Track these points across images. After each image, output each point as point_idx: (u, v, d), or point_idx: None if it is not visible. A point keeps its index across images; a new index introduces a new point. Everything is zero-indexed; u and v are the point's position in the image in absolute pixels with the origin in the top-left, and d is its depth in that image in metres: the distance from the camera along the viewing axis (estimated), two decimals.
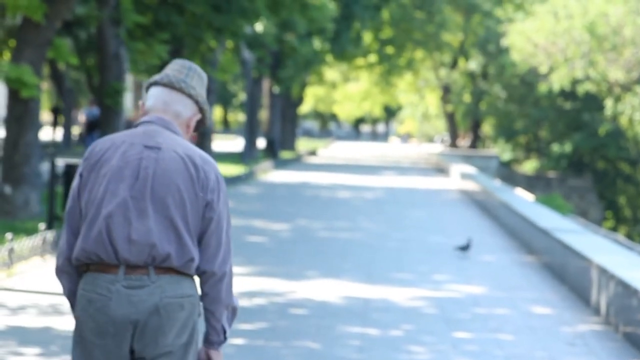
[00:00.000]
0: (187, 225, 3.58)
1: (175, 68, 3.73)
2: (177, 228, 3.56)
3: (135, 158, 3.59)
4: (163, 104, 3.70)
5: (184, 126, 3.73)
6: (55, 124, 49.04)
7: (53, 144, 40.16)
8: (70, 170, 14.11)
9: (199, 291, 3.70)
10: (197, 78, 3.74)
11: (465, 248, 13.97)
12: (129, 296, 3.53)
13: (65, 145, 42.84)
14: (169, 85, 3.70)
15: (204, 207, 3.60)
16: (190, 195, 3.58)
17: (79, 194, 3.64)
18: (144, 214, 3.54)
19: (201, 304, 3.71)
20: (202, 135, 32.61)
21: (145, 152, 3.59)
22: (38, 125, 16.11)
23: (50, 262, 11.84)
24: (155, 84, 3.72)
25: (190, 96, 3.71)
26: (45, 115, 72.93)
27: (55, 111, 49.85)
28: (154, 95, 3.71)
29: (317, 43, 43.09)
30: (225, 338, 3.70)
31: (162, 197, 3.56)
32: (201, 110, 3.76)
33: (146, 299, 3.54)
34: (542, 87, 44.91)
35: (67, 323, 8.48)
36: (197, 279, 3.73)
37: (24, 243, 11.48)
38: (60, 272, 3.70)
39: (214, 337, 3.69)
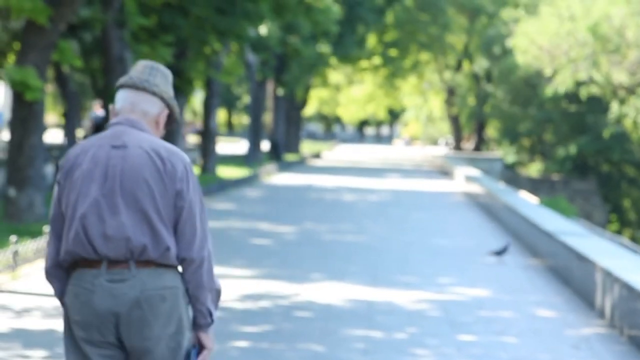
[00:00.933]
0: (160, 216, 3.72)
1: (139, 69, 3.90)
2: (150, 220, 3.70)
3: (103, 158, 3.75)
4: (130, 104, 3.86)
5: (153, 123, 3.88)
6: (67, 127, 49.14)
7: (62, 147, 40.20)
8: None
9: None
10: (160, 76, 3.89)
11: (501, 252, 13.74)
12: (111, 289, 3.68)
13: (70, 148, 42.88)
14: (133, 86, 3.87)
15: (174, 196, 3.74)
16: (159, 187, 3.73)
17: (59, 200, 3.81)
18: (116, 210, 3.70)
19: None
20: (206, 137, 32.63)
21: (113, 151, 3.76)
22: (42, 128, 16.12)
23: None
24: (122, 86, 3.89)
25: (154, 94, 3.87)
26: (52, 118, 73.00)
27: (68, 115, 50.03)
28: (121, 98, 3.89)
29: (321, 46, 43.10)
30: (212, 320, 3.84)
31: (132, 192, 3.71)
32: (168, 106, 3.91)
33: (127, 292, 3.68)
34: (548, 91, 44.89)
35: None
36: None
37: (29, 245, 11.49)
38: (49, 275, 3.87)
39: (201, 320, 3.82)
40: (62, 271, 3.84)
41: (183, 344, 3.76)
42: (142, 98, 3.86)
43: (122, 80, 3.88)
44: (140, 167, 3.73)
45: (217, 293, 3.85)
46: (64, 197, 3.79)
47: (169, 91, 3.91)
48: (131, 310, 3.69)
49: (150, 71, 3.89)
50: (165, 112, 3.91)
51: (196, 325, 3.83)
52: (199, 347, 3.85)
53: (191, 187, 3.77)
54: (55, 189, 3.83)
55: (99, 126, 27.80)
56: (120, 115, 3.86)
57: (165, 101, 3.90)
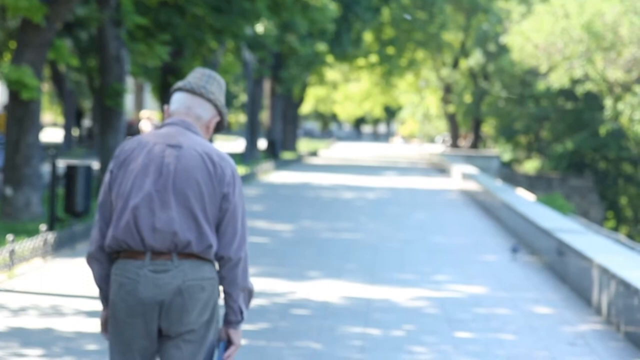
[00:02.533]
0: (206, 215, 3.97)
1: (197, 76, 4.15)
2: (196, 218, 3.96)
3: (159, 156, 4.00)
4: (185, 107, 4.11)
5: (204, 127, 4.14)
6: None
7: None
8: (71, 171, 14.11)
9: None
10: (216, 84, 4.16)
11: (516, 250, 14.11)
12: (155, 279, 3.94)
13: (66, 147, 42.85)
14: (191, 91, 4.12)
15: (221, 198, 4.00)
16: (209, 188, 3.99)
17: (110, 187, 4.04)
18: (166, 206, 3.95)
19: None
20: None
21: (168, 150, 4.00)
22: (39, 127, 16.11)
23: (51, 264, 11.84)
24: (179, 89, 4.14)
25: (209, 100, 4.13)
26: (48, 117, 72.94)
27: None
28: (177, 100, 4.14)
29: (318, 44, 43.09)
30: (242, 318, 4.07)
31: (183, 190, 3.96)
32: (220, 113, 4.17)
33: (170, 281, 3.94)
34: (541, 86, 44.90)
35: (68, 324, 8.48)
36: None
37: (25, 244, 11.49)
38: (91, 258, 4.09)
39: (232, 317, 4.06)
40: (105, 255, 4.05)
41: (212, 333, 4.02)
42: (197, 103, 4.11)
43: (180, 84, 4.12)
44: (193, 168, 3.98)
45: (250, 293, 4.08)
46: (116, 186, 4.01)
47: (222, 99, 4.16)
48: (174, 298, 3.93)
49: (208, 79, 4.13)
50: (217, 118, 4.16)
51: (226, 322, 4.06)
52: (227, 342, 4.06)
53: (237, 192, 4.04)
54: (107, 177, 4.03)
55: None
56: (175, 117, 4.10)
57: (218, 108, 4.15)
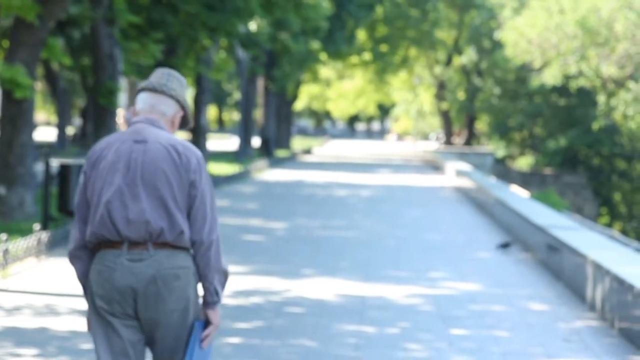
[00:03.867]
0: (176, 203, 4.20)
1: (158, 75, 4.42)
2: (167, 206, 4.19)
3: (126, 152, 4.24)
4: (149, 105, 4.38)
5: (169, 122, 4.39)
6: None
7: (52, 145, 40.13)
8: (64, 170, 14.09)
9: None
10: (176, 82, 4.41)
11: (506, 246, 14.41)
12: (131, 268, 4.16)
13: (60, 146, 42.80)
14: (153, 89, 4.38)
15: (188, 186, 4.23)
16: (176, 177, 4.21)
17: (85, 187, 4.29)
18: (137, 197, 4.19)
19: None
20: (196, 134, 32.58)
21: (135, 146, 4.25)
22: (32, 126, 16.08)
23: (45, 263, 11.83)
24: (143, 90, 4.41)
25: (171, 97, 4.38)
26: (41, 116, 72.82)
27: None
28: (142, 99, 4.40)
29: (311, 42, 43.07)
30: (218, 299, 4.29)
31: (152, 181, 4.20)
32: (183, 108, 4.42)
33: (145, 270, 4.16)
34: (535, 82, 44.93)
35: (63, 324, 8.48)
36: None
37: (19, 244, 11.47)
38: (72, 257, 4.31)
39: (209, 298, 4.28)
40: (86, 253, 4.28)
41: (190, 318, 4.23)
42: (160, 100, 4.37)
43: (143, 84, 4.39)
44: (159, 160, 4.22)
45: (224, 274, 4.30)
46: (90, 185, 4.26)
47: (183, 95, 4.41)
48: (148, 286, 4.15)
49: (168, 77, 4.40)
50: (180, 113, 4.41)
51: (204, 303, 4.28)
52: (206, 322, 4.27)
53: (203, 178, 4.26)
54: (82, 178, 4.29)
55: None
56: (140, 115, 4.37)
57: (180, 103, 4.40)
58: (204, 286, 4.27)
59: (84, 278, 4.30)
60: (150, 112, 4.36)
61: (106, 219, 4.17)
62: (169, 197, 4.19)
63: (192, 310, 4.23)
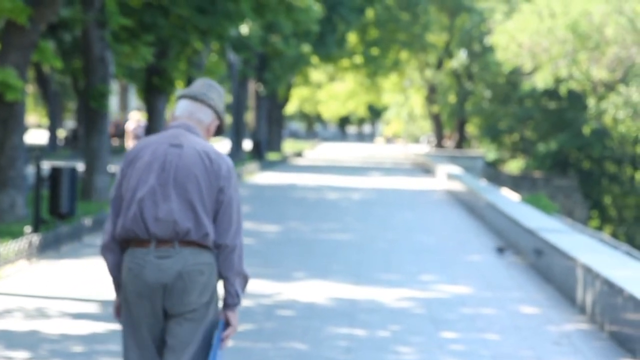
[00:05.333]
0: (204, 206, 4.45)
1: (199, 84, 4.70)
2: (195, 208, 4.44)
3: (162, 154, 4.50)
4: (188, 112, 4.65)
5: (205, 130, 4.66)
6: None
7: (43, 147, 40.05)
8: (55, 173, 14.08)
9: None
10: (215, 92, 4.69)
11: (502, 250, 14.52)
12: (158, 265, 4.41)
13: (51, 148, 42.73)
14: (193, 97, 4.66)
15: (217, 191, 4.48)
16: (206, 182, 4.47)
17: (121, 184, 4.54)
18: (168, 198, 4.45)
19: None
20: None
21: (170, 149, 4.51)
22: (23, 129, 16.07)
23: (36, 266, 11.82)
24: (183, 97, 4.69)
25: (210, 106, 4.66)
26: (32, 119, 72.66)
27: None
28: (182, 106, 4.67)
29: (302, 45, 43.08)
30: (239, 301, 4.53)
31: (183, 184, 4.46)
32: (219, 117, 4.71)
33: (172, 266, 4.41)
34: (526, 86, 44.99)
35: (54, 326, 8.48)
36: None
37: (10, 246, 11.46)
38: (105, 249, 4.56)
39: (229, 300, 4.53)
40: (118, 246, 4.53)
41: (212, 313, 4.47)
42: (198, 108, 4.64)
43: (184, 92, 4.68)
44: (192, 165, 4.47)
45: (245, 278, 4.55)
46: (125, 182, 4.51)
47: (220, 105, 4.69)
48: (175, 281, 4.40)
49: (209, 87, 4.68)
50: (216, 122, 4.69)
51: (225, 304, 4.52)
52: (225, 323, 4.51)
53: (232, 185, 4.51)
54: (119, 174, 4.55)
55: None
56: (178, 120, 4.63)
57: (217, 113, 4.68)
58: (225, 288, 4.51)
59: (115, 270, 4.54)
60: (188, 118, 4.62)
61: (138, 216, 4.43)
62: (197, 200, 4.43)
63: (213, 305, 4.48)
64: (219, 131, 4.73)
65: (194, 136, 4.57)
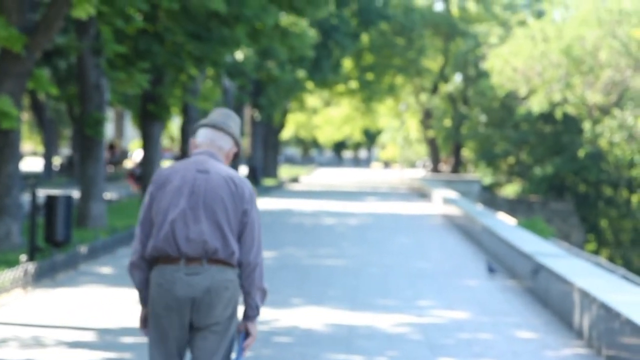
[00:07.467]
0: (230, 227, 4.85)
1: (217, 114, 5.09)
2: (222, 229, 4.84)
3: (191, 179, 4.89)
4: (209, 140, 5.04)
5: (225, 156, 5.06)
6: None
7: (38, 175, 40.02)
8: (51, 201, 14.06)
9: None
10: (233, 121, 5.09)
11: (492, 270, 14.76)
12: (188, 281, 4.78)
13: (46, 176, 42.69)
14: (214, 126, 5.06)
15: (241, 214, 4.89)
16: (232, 205, 4.87)
17: (150, 207, 4.91)
18: (198, 219, 4.83)
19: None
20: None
21: (198, 175, 4.91)
22: (18, 157, 16.06)
23: (32, 294, 11.77)
24: (204, 126, 5.06)
25: (229, 134, 5.06)
26: (28, 147, 72.62)
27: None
28: (203, 134, 5.06)
29: (297, 71, 43.17)
30: (258, 313, 4.94)
31: (211, 207, 4.85)
32: (237, 144, 5.09)
33: (201, 282, 4.79)
34: (521, 110, 45.08)
35: (50, 356, 8.43)
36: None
37: (5, 275, 11.42)
38: (133, 266, 4.92)
39: (250, 312, 4.94)
40: (145, 263, 4.89)
41: (234, 326, 4.87)
42: (219, 136, 5.03)
43: (205, 121, 5.05)
44: (219, 189, 4.87)
45: (264, 292, 4.96)
46: (155, 205, 4.89)
47: (238, 133, 5.07)
48: (203, 296, 4.78)
49: (227, 117, 5.07)
50: (235, 149, 5.08)
51: (245, 316, 4.94)
52: (246, 334, 4.92)
53: (254, 208, 4.93)
54: (147, 198, 4.91)
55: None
56: (201, 148, 5.02)
57: (235, 140, 5.06)
58: (246, 302, 4.92)
59: (141, 286, 4.92)
60: (209, 145, 5.01)
61: (169, 236, 4.80)
62: (224, 221, 4.83)
63: (235, 318, 4.87)
64: (236, 156, 5.08)
65: (217, 162, 4.96)
